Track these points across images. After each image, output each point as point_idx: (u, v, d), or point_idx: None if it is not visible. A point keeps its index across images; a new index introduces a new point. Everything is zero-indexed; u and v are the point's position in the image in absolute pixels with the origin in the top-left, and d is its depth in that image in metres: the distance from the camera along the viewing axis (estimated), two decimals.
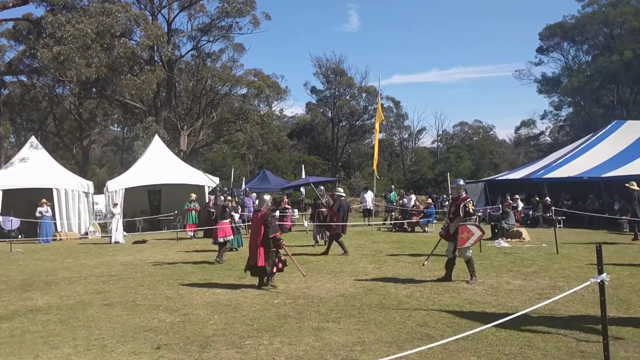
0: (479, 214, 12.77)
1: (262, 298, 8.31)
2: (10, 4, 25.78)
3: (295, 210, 25.32)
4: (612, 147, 23.39)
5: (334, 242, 13.67)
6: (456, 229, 9.30)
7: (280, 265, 9.28)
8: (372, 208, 24.02)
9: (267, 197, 9.86)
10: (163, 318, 7.20)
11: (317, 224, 16.01)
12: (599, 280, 4.54)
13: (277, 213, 21.57)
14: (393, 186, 28.65)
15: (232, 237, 13.20)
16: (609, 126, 26.49)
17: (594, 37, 49.70)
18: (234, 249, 15.09)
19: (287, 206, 22.46)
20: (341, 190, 14.85)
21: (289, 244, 13.83)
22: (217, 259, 12.65)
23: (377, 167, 22.43)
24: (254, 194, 22.07)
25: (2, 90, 41.26)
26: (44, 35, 23.85)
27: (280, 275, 9.72)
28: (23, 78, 36.72)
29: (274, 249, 9.17)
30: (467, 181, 18.71)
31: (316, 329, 6.45)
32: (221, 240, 12.77)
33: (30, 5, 26.90)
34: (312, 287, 9.11)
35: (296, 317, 7.06)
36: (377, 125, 22.23)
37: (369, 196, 23.94)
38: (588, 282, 4.70)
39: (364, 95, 50.01)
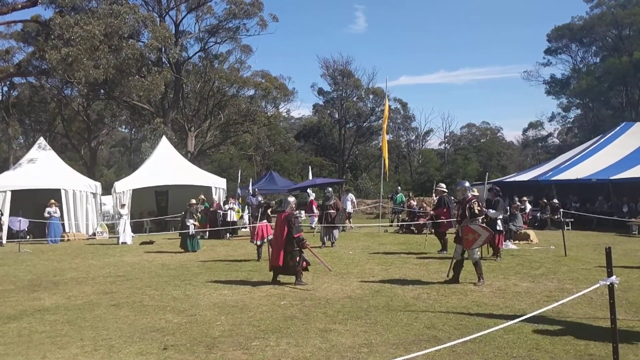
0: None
1: (268, 299, 8.31)
2: (20, 6, 25.91)
3: (302, 212, 25.29)
4: (621, 149, 23.25)
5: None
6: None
7: (304, 264, 9.58)
8: (351, 211, 23.95)
9: (291, 199, 10.20)
10: (170, 319, 7.21)
11: (325, 225, 16.02)
12: (608, 283, 4.50)
13: (303, 214, 21.80)
14: (399, 187, 28.57)
15: (270, 237, 13.16)
16: (618, 128, 26.34)
17: (603, 39, 49.40)
18: (191, 251, 15.17)
19: None
20: (443, 185, 14.71)
21: None
22: (259, 259, 12.83)
23: (387, 169, 22.34)
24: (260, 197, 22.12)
25: (11, 91, 41.57)
26: (52, 36, 23.96)
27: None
28: (32, 79, 36.90)
29: (297, 249, 9.45)
30: (474, 183, 18.67)
31: (323, 330, 6.44)
32: (266, 240, 12.80)
33: (39, 7, 27.12)
34: (319, 288, 9.10)
35: (303, 318, 7.06)
36: (384, 126, 22.14)
37: (350, 199, 23.92)
38: (597, 285, 4.67)
39: (371, 96, 49.93)
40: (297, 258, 9.45)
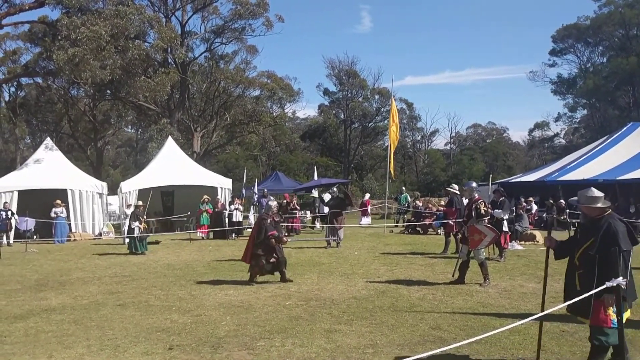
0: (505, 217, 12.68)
1: (274, 299, 8.31)
2: (27, 7, 26.11)
3: (307, 212, 25.32)
4: (628, 150, 23.14)
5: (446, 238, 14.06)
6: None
7: (256, 269, 9.73)
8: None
9: (272, 203, 10.53)
10: (175, 319, 7.22)
11: (330, 225, 16.03)
12: (614, 284, 4.48)
13: (308, 214, 22.07)
14: (404, 188, 28.54)
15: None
16: (625, 128, 26.20)
17: (610, 38, 49.17)
18: (139, 253, 15.08)
19: (296, 207, 22.44)
20: (456, 186, 14.72)
21: (299, 245, 13.87)
22: None
23: (393, 169, 22.33)
24: (271, 196, 22.20)
25: (19, 92, 41.77)
26: (59, 37, 24.08)
27: (291, 277, 9.79)
28: (39, 80, 37.07)
29: (262, 254, 9.66)
30: (480, 183, 18.65)
31: (328, 331, 6.44)
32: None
33: (46, 8, 27.24)
34: (324, 288, 9.10)
35: (308, 318, 7.06)
36: (393, 127, 22.04)
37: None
38: (603, 286, 4.64)
39: (376, 97, 49.89)
40: (257, 260, 9.65)
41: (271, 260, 9.71)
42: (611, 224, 4.70)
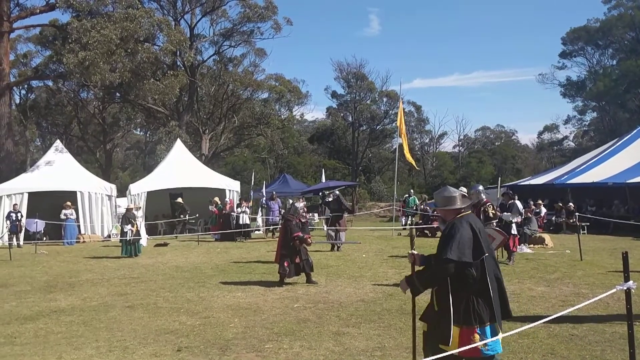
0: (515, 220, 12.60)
1: (282, 302, 8.32)
2: (38, 11, 26.35)
3: (315, 215, 25.31)
4: (638, 153, 22.93)
5: None
6: None
7: (281, 270, 9.69)
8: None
9: (298, 204, 10.47)
10: (184, 321, 7.25)
11: (330, 227, 16.08)
12: (625, 288, 4.44)
13: (316, 216, 22.12)
14: (412, 190, 28.51)
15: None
16: (635, 131, 25.99)
17: (619, 41, 48.85)
18: (127, 256, 15.05)
19: (304, 209, 22.40)
20: (464, 189, 14.74)
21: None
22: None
23: (413, 161, 22.33)
24: (279, 199, 22.22)
25: (29, 94, 42.09)
26: (69, 40, 24.26)
27: (300, 279, 9.80)
28: (49, 83, 37.40)
29: (286, 254, 9.66)
30: (488, 187, 18.60)
31: (336, 333, 6.44)
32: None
33: (57, 12, 27.47)
34: (332, 291, 9.10)
35: (316, 321, 7.06)
36: (402, 127, 22.12)
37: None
38: (614, 290, 4.61)
39: (384, 99, 49.78)
40: (285, 263, 9.62)
41: (296, 261, 9.72)
42: (454, 226, 3.95)
